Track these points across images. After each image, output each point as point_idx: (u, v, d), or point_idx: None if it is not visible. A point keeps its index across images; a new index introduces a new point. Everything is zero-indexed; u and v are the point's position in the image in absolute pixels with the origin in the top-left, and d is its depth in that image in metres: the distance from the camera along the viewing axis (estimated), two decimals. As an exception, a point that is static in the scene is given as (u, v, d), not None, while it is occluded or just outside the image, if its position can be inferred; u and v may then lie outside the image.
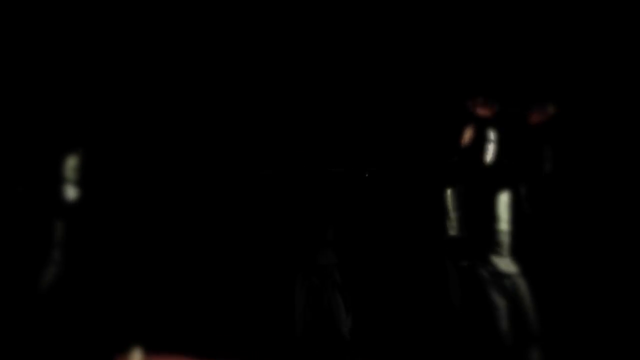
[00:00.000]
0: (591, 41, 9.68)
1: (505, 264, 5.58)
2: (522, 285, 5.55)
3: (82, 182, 5.43)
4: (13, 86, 8.93)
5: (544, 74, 9.84)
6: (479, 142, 5.90)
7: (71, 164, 5.46)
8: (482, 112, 5.89)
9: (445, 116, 6.12)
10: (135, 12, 10.40)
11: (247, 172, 11.02)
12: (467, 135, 5.91)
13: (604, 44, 9.67)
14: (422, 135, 6.16)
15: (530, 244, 5.77)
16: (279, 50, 10.89)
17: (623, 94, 9.64)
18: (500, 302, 5.50)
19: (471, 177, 5.69)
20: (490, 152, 5.87)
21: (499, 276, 5.52)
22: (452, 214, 5.72)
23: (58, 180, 5.42)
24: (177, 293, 11.30)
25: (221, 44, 10.70)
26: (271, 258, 11.14)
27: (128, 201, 5.50)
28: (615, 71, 9.68)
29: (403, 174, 10.96)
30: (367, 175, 6.94)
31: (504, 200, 5.67)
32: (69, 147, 5.54)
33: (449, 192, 5.80)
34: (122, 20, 10.36)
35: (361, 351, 7.25)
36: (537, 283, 5.66)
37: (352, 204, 11.27)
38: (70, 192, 5.43)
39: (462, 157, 5.82)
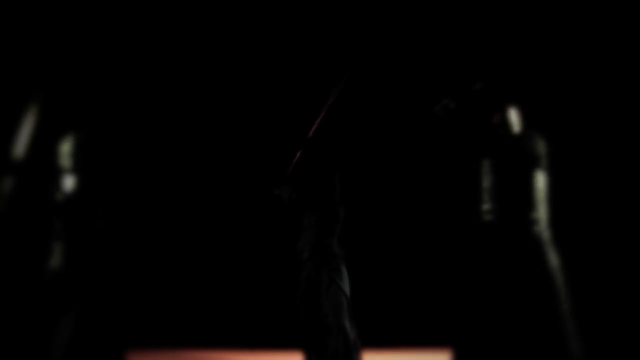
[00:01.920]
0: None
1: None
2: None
3: (79, 170, 5.20)
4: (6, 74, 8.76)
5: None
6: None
7: (65, 150, 5.23)
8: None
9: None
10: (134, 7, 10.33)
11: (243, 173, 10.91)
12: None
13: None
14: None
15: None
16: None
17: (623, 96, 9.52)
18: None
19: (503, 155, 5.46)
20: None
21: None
22: (486, 197, 5.46)
23: (53, 170, 5.21)
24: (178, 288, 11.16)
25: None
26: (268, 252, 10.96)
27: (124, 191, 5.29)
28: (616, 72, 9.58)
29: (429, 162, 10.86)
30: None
31: (540, 186, 5.48)
32: (62, 133, 5.31)
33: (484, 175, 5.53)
34: (121, 12, 10.26)
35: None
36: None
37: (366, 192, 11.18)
38: (68, 182, 5.19)
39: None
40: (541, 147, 5.56)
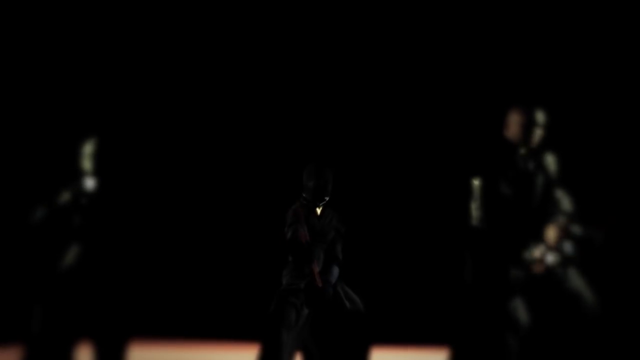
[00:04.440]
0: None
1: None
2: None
3: (100, 171, 5.33)
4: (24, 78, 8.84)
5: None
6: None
7: (87, 152, 5.36)
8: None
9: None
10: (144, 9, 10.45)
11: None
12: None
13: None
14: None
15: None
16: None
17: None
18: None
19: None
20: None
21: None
22: (476, 204, 5.49)
23: (75, 172, 5.34)
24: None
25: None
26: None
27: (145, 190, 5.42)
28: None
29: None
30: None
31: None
32: (83, 135, 5.43)
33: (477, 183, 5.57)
34: (133, 14, 10.38)
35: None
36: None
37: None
38: (89, 183, 5.33)
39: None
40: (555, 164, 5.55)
